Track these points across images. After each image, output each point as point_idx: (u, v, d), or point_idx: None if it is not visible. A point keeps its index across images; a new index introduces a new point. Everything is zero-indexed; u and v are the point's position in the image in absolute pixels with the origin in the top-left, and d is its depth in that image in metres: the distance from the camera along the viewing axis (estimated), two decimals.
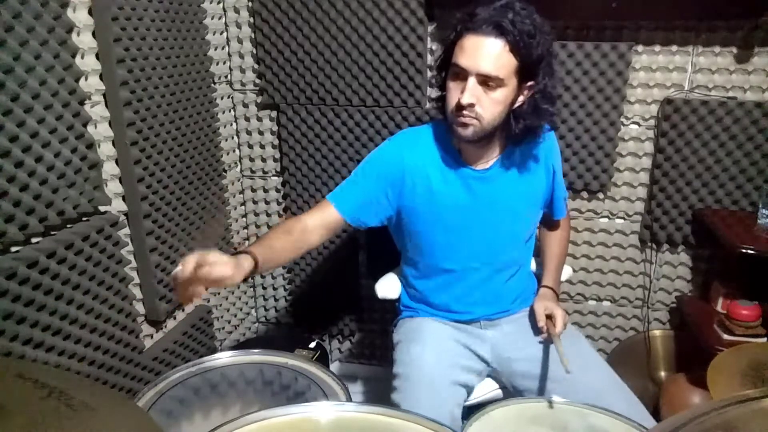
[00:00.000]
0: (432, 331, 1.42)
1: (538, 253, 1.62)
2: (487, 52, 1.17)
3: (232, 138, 2.15)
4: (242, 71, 2.08)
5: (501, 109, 1.23)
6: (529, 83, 1.24)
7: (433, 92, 1.56)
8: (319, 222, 1.33)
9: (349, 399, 1.16)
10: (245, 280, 1.12)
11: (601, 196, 1.99)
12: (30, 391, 0.75)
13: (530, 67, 1.21)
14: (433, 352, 1.34)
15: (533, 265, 1.62)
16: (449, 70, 1.25)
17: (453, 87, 1.24)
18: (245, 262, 1.11)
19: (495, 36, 1.17)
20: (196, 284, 1.01)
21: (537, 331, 1.40)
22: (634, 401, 1.29)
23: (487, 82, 1.19)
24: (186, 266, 1.00)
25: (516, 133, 1.29)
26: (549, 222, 1.58)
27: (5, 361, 1.12)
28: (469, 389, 1.38)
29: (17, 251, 1.22)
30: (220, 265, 1.03)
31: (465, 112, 1.22)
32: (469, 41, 1.19)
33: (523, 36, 1.16)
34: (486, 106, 1.22)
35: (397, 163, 1.36)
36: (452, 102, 1.24)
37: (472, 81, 1.20)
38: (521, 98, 1.26)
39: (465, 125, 1.24)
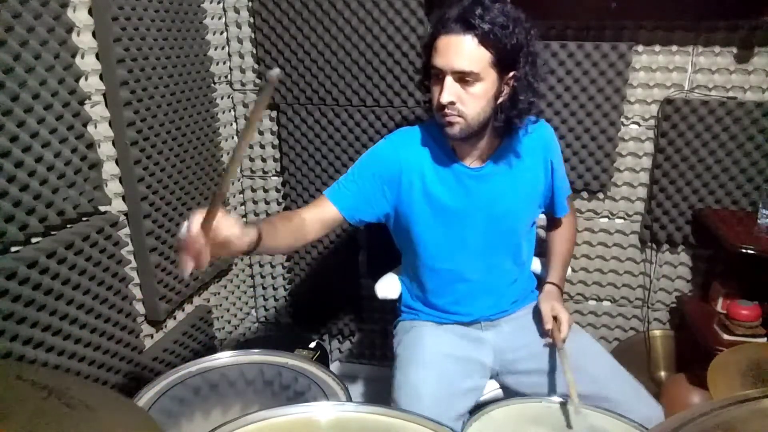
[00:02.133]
0: (432, 349, 1.38)
1: (541, 253, 1.62)
2: (458, 49, 1.20)
3: (232, 138, 2.15)
4: (242, 71, 2.08)
5: (483, 104, 1.24)
6: (512, 74, 1.25)
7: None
8: (316, 217, 1.33)
9: (349, 399, 1.16)
10: (247, 254, 1.07)
11: (601, 196, 1.98)
12: (29, 392, 0.75)
13: (507, 58, 1.22)
14: (433, 382, 1.29)
15: (534, 265, 1.62)
16: (430, 73, 1.28)
17: (434, 88, 1.27)
18: (250, 230, 1.05)
19: (464, 32, 1.19)
20: (203, 247, 0.92)
21: (540, 331, 1.40)
22: (637, 386, 1.30)
23: (464, 78, 1.21)
24: (193, 225, 0.90)
25: (500, 126, 1.30)
26: (552, 220, 1.57)
27: (5, 362, 1.12)
28: (471, 405, 1.37)
29: (17, 251, 1.22)
30: (228, 222, 0.95)
31: (447, 110, 1.24)
32: (441, 42, 1.22)
33: (494, 28, 1.18)
34: (467, 103, 1.23)
35: (394, 162, 1.36)
36: (435, 102, 1.27)
37: (448, 80, 1.22)
38: (506, 90, 1.27)
39: (451, 124, 1.26)
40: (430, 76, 1.28)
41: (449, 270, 1.43)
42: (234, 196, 2.19)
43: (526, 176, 1.40)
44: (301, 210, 1.33)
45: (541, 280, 1.56)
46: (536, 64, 1.26)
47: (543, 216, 1.58)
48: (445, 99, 1.22)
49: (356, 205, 1.36)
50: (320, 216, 1.33)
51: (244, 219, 2.27)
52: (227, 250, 0.97)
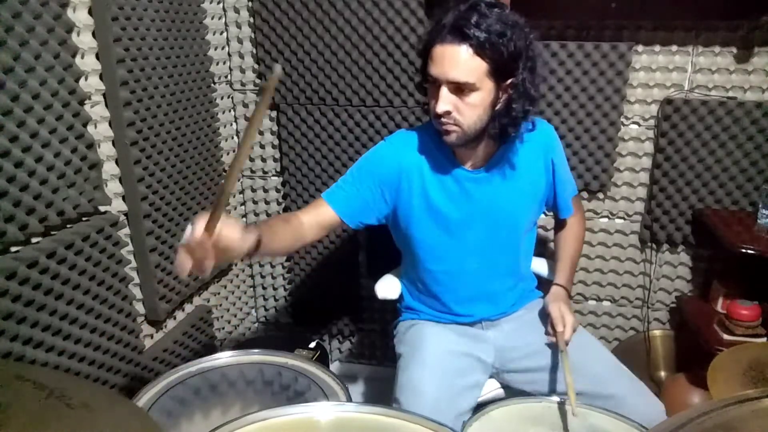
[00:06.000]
0: (433, 348, 1.38)
1: (541, 253, 1.61)
2: (453, 60, 1.17)
3: (232, 138, 2.15)
4: (242, 71, 2.08)
5: (480, 112, 1.22)
6: (510, 80, 1.22)
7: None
8: (315, 220, 1.32)
9: (349, 399, 1.16)
10: (248, 257, 1.07)
11: (601, 196, 1.99)
12: (30, 392, 0.75)
13: (505, 66, 1.19)
14: (435, 380, 1.30)
15: (534, 264, 1.62)
16: (427, 78, 1.26)
17: (431, 96, 1.25)
18: (250, 234, 1.04)
19: (459, 43, 1.16)
20: (207, 252, 0.92)
21: (545, 330, 1.39)
22: (638, 384, 1.30)
23: (460, 88, 1.19)
24: (197, 228, 0.90)
25: (495, 133, 1.28)
26: (557, 221, 1.57)
27: (5, 362, 1.12)
28: (472, 402, 1.37)
29: (17, 251, 1.22)
30: (229, 227, 0.95)
31: (443, 119, 1.23)
32: (436, 51, 1.19)
33: (490, 36, 1.15)
34: (463, 112, 1.21)
35: (393, 164, 1.36)
36: (431, 110, 1.25)
37: (444, 90, 1.20)
38: (504, 96, 1.24)
39: (447, 132, 1.25)
40: (427, 80, 1.26)
41: (449, 272, 1.43)
42: (234, 196, 2.19)
43: (526, 177, 1.39)
44: (299, 213, 1.32)
45: (541, 280, 1.56)
46: (535, 70, 1.24)
47: (545, 216, 1.57)
48: (440, 109, 1.21)
49: (355, 209, 1.35)
50: (319, 219, 1.32)
51: (244, 219, 2.27)
52: (227, 256, 0.97)
